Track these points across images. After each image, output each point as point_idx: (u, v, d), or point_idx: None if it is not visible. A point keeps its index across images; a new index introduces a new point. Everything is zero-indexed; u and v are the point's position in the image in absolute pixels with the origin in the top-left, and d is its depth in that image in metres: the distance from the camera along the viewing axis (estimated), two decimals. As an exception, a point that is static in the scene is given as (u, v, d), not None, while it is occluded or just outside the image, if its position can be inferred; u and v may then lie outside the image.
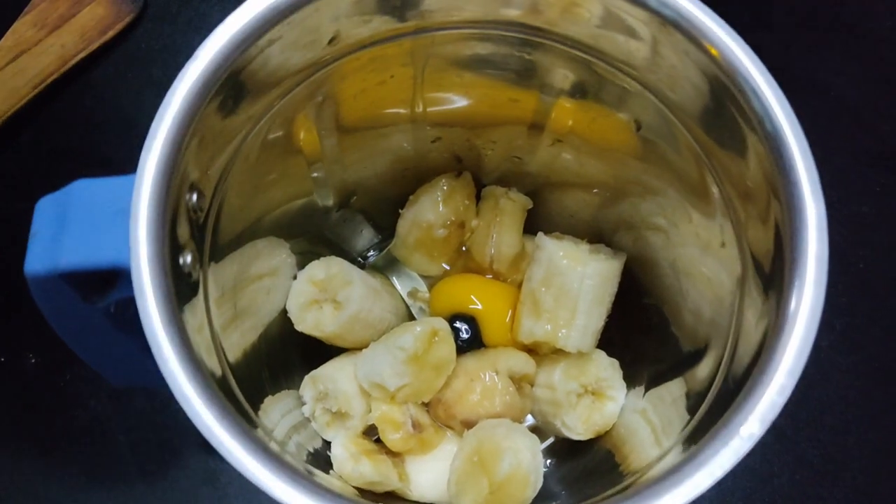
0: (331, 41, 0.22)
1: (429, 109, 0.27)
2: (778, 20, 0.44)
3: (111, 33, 0.41)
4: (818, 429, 0.36)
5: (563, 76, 0.25)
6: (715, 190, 0.22)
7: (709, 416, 0.21)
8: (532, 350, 0.31)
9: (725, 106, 0.20)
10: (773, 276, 0.20)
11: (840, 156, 0.41)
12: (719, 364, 0.22)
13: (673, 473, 0.18)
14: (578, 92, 0.24)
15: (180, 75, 0.20)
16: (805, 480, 0.35)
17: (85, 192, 0.20)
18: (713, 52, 0.20)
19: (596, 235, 0.31)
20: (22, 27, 0.41)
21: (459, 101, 0.27)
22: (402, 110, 0.27)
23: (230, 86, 0.20)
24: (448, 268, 0.33)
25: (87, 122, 0.41)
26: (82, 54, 0.41)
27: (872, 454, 0.35)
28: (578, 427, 0.29)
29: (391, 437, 0.28)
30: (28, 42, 0.41)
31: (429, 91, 0.26)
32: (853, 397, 0.36)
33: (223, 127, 0.21)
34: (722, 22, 0.20)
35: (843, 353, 0.37)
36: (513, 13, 0.22)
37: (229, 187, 0.22)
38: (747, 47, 0.20)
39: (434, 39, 0.24)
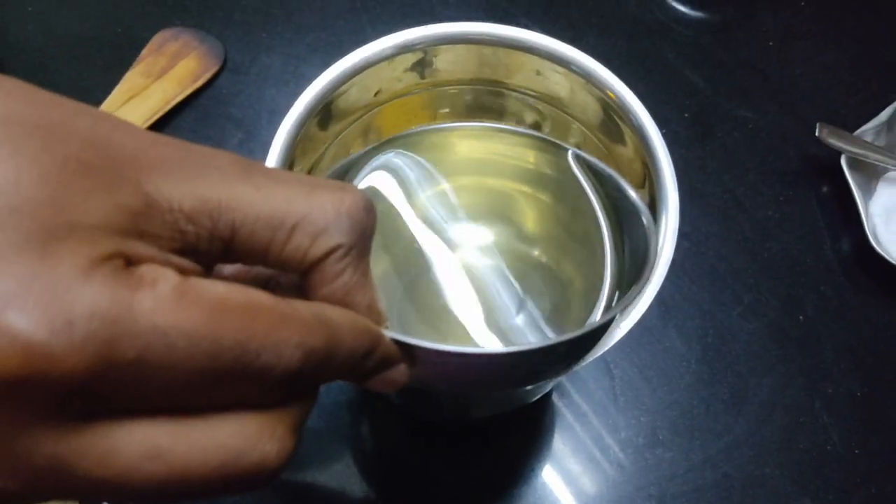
0: (376, 94, 0.35)
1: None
2: (709, 68, 0.57)
3: (200, 81, 0.54)
4: (728, 374, 0.47)
5: (527, 115, 0.37)
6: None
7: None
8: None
9: (613, 119, 0.33)
10: (654, 216, 0.32)
11: (753, 173, 0.53)
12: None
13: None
14: (536, 125, 0.37)
15: (297, 102, 0.32)
16: (717, 411, 0.46)
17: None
18: (610, 94, 0.33)
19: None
20: (133, 76, 0.54)
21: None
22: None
23: (323, 112, 0.33)
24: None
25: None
26: (180, 97, 0.53)
27: (767, 392, 0.46)
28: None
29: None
30: (138, 88, 0.54)
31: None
32: (755, 352, 0.47)
33: (316, 138, 0.33)
34: (611, 73, 0.33)
35: (749, 319, 0.48)
36: (488, 72, 0.35)
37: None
38: (628, 89, 0.32)
39: (444, 91, 0.37)
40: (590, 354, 0.29)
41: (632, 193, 0.29)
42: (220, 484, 0.15)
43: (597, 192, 0.31)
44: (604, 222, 0.30)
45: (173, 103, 0.53)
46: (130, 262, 0.14)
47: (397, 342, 0.19)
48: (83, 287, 0.13)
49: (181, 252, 0.15)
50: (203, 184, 0.15)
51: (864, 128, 0.52)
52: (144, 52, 0.55)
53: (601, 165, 0.30)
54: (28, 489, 0.13)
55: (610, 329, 0.29)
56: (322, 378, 0.17)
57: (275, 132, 0.32)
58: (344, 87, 0.33)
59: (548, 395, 0.46)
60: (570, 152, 0.31)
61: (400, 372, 0.19)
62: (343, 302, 0.18)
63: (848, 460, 0.44)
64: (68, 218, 0.13)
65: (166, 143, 0.16)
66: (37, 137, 0.14)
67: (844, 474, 0.44)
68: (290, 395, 0.16)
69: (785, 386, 0.46)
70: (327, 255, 0.17)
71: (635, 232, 0.29)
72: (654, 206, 0.32)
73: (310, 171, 0.35)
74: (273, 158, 0.31)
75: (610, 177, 0.30)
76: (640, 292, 0.27)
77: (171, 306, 0.13)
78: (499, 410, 0.44)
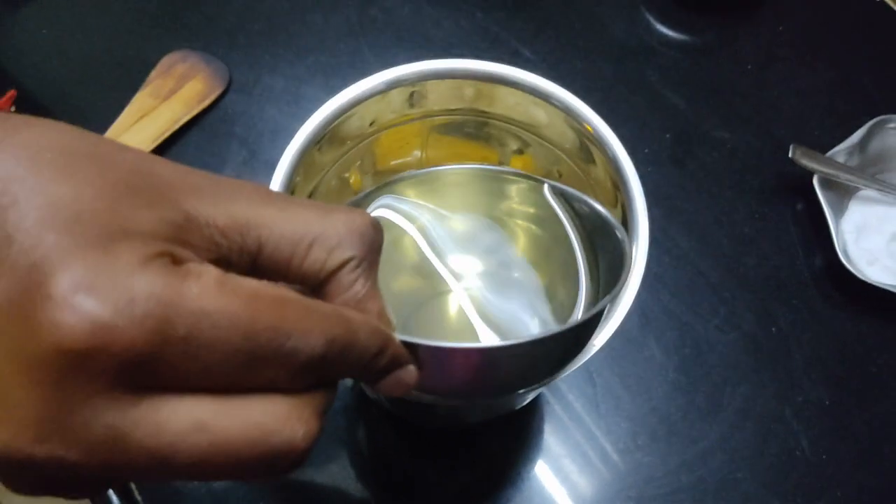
0: (371, 123, 0.38)
1: (429, 160, 0.43)
2: (690, 90, 0.60)
3: (207, 102, 0.56)
4: (705, 382, 0.49)
5: (510, 141, 0.40)
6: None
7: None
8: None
9: (585, 144, 0.36)
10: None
11: (731, 191, 0.56)
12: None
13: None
14: (519, 150, 0.40)
15: (301, 129, 0.35)
16: (693, 418, 0.48)
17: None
18: (587, 127, 0.36)
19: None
20: (142, 97, 0.57)
21: (449, 157, 0.43)
22: (411, 161, 0.42)
23: (324, 138, 0.35)
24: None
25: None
26: (187, 117, 0.55)
27: (741, 400, 0.49)
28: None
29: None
30: (147, 108, 0.56)
31: (430, 151, 0.41)
32: (731, 361, 0.50)
33: (316, 162, 0.36)
34: (589, 108, 0.35)
35: (725, 330, 0.51)
36: (474, 103, 0.38)
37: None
38: (601, 120, 0.35)
39: (433, 121, 0.39)
40: (578, 357, 0.31)
41: (603, 211, 0.32)
42: (254, 461, 0.16)
43: (571, 218, 0.33)
44: (578, 248, 0.33)
45: (181, 123, 0.55)
46: (176, 262, 0.16)
47: (406, 344, 0.21)
48: (140, 275, 0.15)
49: (216, 263, 0.17)
50: (233, 206, 0.18)
51: (836, 149, 0.55)
52: (153, 74, 0.57)
53: (573, 191, 0.33)
54: (86, 459, 0.15)
55: (595, 330, 0.31)
56: (341, 370, 0.18)
57: (277, 151, 0.35)
58: (341, 119, 0.36)
59: (535, 402, 0.49)
60: (545, 185, 0.33)
61: (409, 373, 0.21)
62: (356, 309, 0.19)
63: (816, 465, 0.47)
64: (122, 224, 0.15)
65: (200, 175, 0.19)
66: (91, 164, 0.16)
67: (812, 479, 0.47)
68: (314, 383, 0.18)
69: (757, 394, 0.49)
70: (341, 266, 0.19)
71: (609, 246, 0.31)
72: (626, 229, 0.35)
73: (310, 195, 0.38)
74: (277, 182, 0.34)
75: (582, 200, 0.33)
76: (620, 292, 0.30)
77: (214, 293, 0.15)
78: (486, 417, 0.47)
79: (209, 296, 0.15)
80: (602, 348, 0.33)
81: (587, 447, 0.48)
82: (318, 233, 0.19)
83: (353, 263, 0.19)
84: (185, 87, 0.57)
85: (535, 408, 0.49)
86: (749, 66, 0.61)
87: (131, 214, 0.16)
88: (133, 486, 0.45)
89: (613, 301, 0.31)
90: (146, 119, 0.55)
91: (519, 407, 0.47)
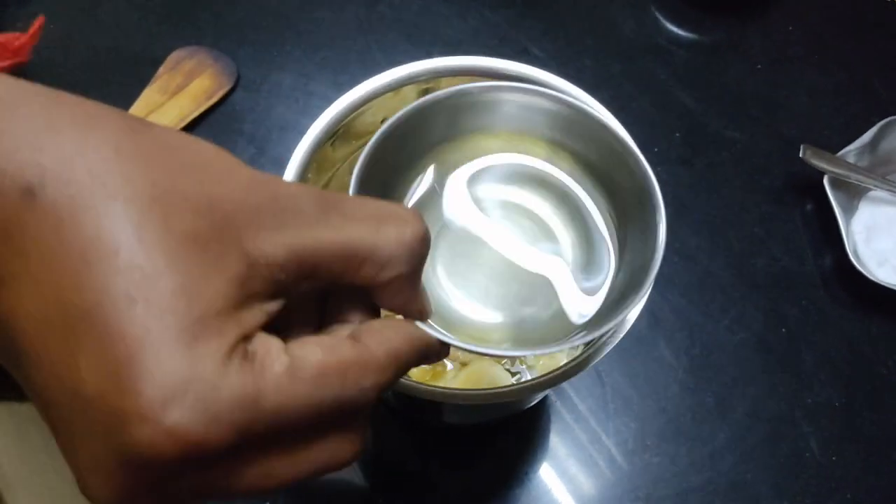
0: (383, 120, 0.37)
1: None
2: (700, 89, 0.60)
3: (215, 98, 0.56)
4: (714, 383, 0.49)
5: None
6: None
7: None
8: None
9: (614, 148, 0.35)
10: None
11: (741, 191, 0.56)
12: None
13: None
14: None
15: (314, 125, 0.35)
16: (702, 418, 0.48)
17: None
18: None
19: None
20: (150, 93, 0.57)
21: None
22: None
23: (337, 133, 0.35)
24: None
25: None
26: (195, 113, 0.55)
27: (750, 401, 0.49)
28: (538, 368, 0.44)
29: (414, 370, 0.43)
30: (155, 104, 0.56)
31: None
32: (739, 362, 0.50)
33: (329, 158, 0.36)
34: (597, 103, 0.35)
35: (734, 331, 0.51)
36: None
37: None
38: (613, 118, 0.35)
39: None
40: (589, 359, 0.31)
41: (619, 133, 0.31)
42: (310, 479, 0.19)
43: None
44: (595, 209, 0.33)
45: (189, 119, 0.55)
46: (247, 337, 0.17)
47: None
48: (223, 381, 0.16)
49: (275, 295, 0.19)
50: (292, 232, 0.18)
51: (846, 149, 0.55)
52: (161, 69, 0.57)
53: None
54: None
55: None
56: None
57: (285, 147, 0.35)
58: (355, 114, 0.36)
59: (542, 402, 0.49)
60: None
61: (441, 355, 0.23)
62: (400, 311, 0.22)
63: (825, 467, 0.47)
64: (199, 312, 0.16)
65: (258, 189, 0.18)
66: (155, 212, 0.16)
67: (821, 480, 0.46)
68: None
69: (767, 396, 0.49)
70: (390, 281, 0.21)
71: (624, 179, 0.31)
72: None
73: (324, 188, 0.38)
74: (289, 178, 0.34)
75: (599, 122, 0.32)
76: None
77: (287, 386, 0.17)
78: (494, 417, 0.47)
79: (284, 391, 0.17)
80: (612, 349, 0.33)
81: (595, 448, 0.48)
82: (370, 252, 0.20)
83: (401, 279, 0.21)
84: (193, 84, 0.57)
85: (542, 408, 0.49)
86: (759, 66, 0.61)
87: (205, 290, 0.17)
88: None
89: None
90: (154, 115, 0.55)
91: (526, 407, 0.47)
